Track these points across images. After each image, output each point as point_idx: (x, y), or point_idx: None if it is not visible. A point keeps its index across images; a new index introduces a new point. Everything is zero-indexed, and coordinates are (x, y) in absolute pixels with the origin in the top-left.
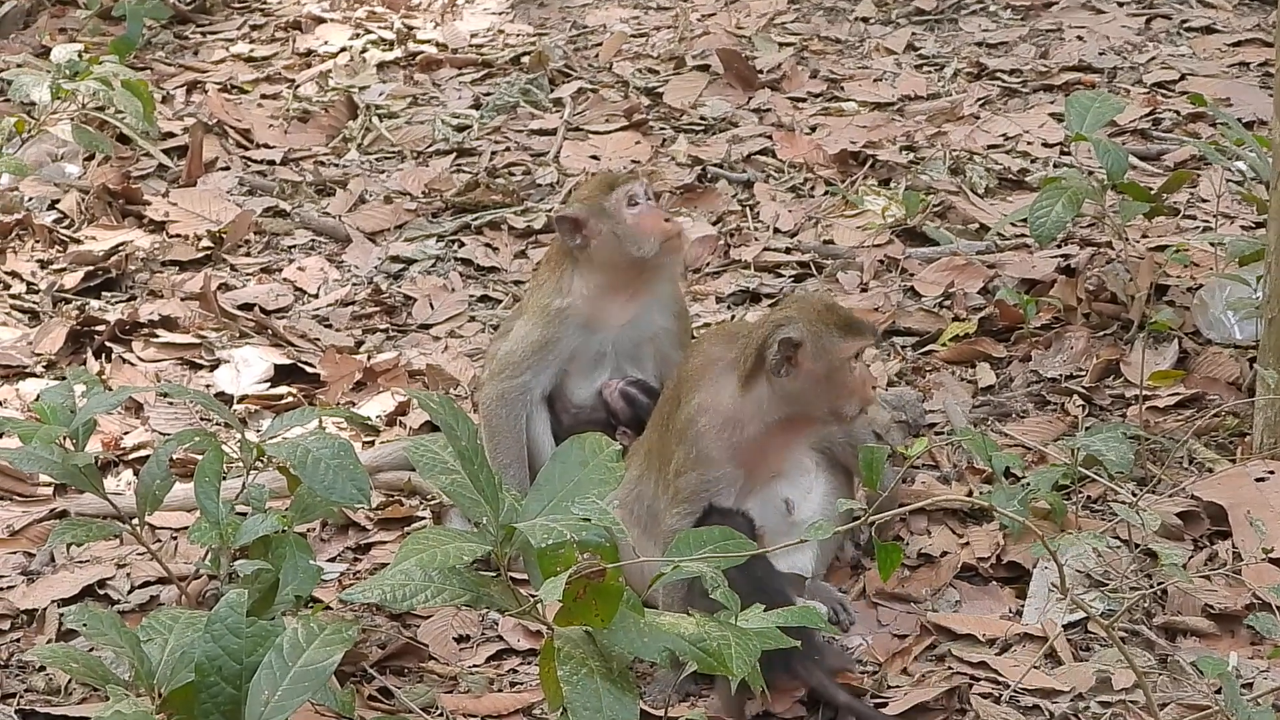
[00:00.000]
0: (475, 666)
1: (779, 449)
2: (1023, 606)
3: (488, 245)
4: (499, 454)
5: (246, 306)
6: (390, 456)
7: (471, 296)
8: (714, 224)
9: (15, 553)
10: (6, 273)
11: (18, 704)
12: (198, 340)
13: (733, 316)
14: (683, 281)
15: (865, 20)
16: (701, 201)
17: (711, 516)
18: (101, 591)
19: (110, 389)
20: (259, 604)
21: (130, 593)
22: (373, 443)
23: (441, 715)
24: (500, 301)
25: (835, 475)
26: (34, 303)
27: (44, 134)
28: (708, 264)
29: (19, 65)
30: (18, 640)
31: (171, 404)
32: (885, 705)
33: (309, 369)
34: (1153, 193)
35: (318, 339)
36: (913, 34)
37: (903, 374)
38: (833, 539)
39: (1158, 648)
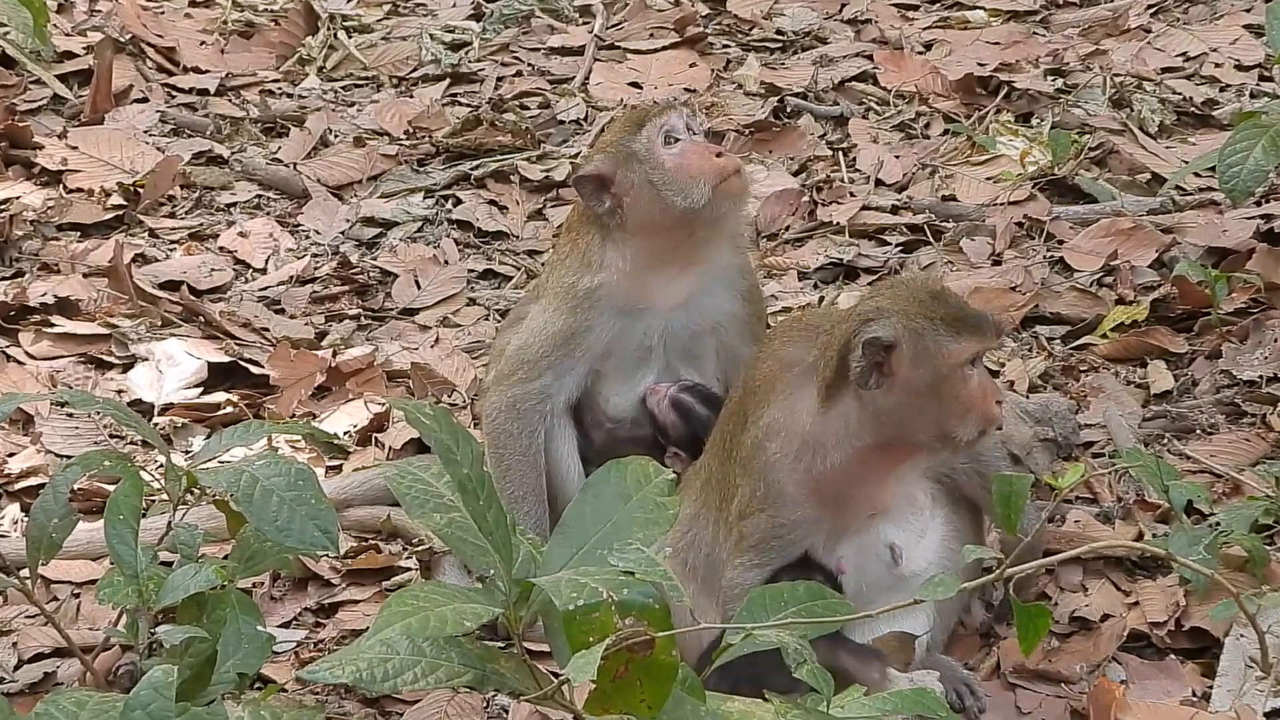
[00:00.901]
0: None
1: (878, 481)
2: (1211, 688)
3: (492, 203)
4: (510, 484)
5: (171, 285)
6: (364, 487)
7: (471, 272)
8: (795, 174)
9: None
10: None
11: None
12: (106, 330)
13: (820, 300)
14: (753, 250)
15: None
16: (779, 144)
17: (786, 571)
18: None
19: None
20: (191, 684)
21: (17, 669)
22: (340, 468)
23: None
24: (510, 279)
25: (958, 513)
26: None
27: None
28: (786, 227)
29: None
30: None
31: (72, 416)
32: None
33: (255, 369)
34: None
35: (266, 329)
36: None
37: (1049, 376)
38: (955, 599)
39: None
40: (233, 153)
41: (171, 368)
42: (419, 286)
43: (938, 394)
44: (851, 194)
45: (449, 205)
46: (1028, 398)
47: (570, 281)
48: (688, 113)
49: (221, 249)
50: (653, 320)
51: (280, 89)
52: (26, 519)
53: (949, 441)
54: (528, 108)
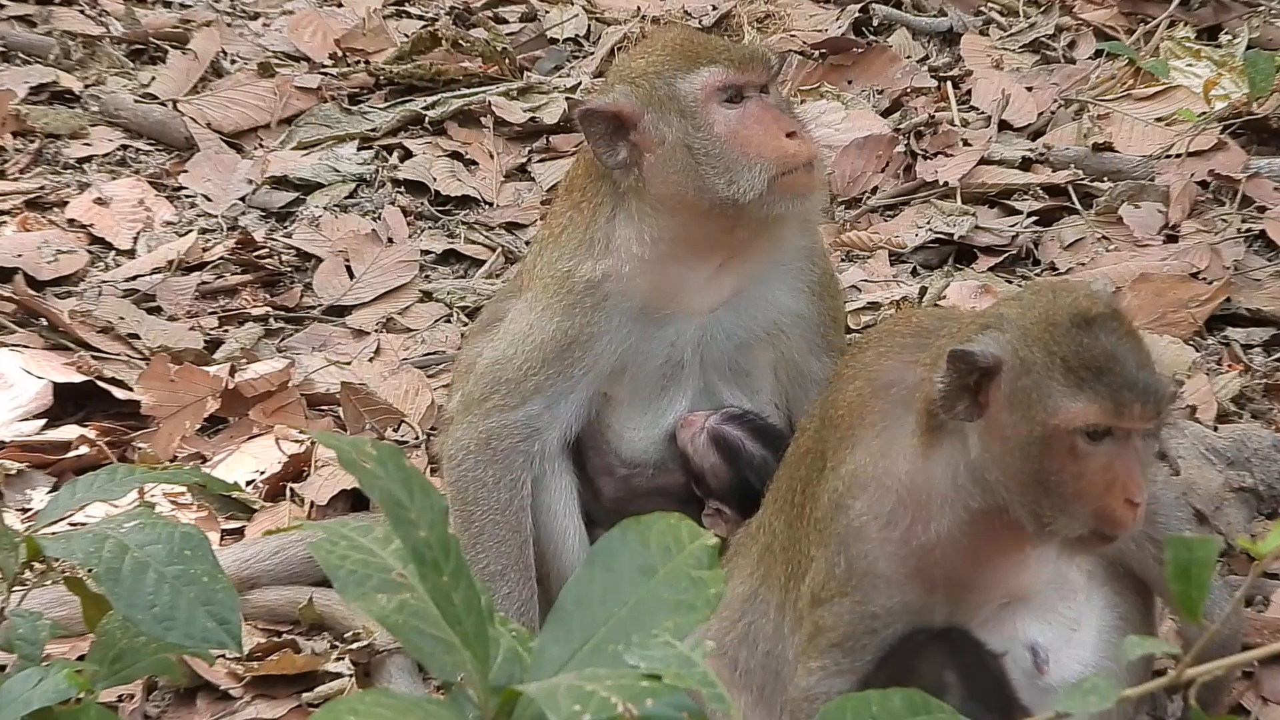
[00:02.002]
0: None
1: (1007, 557)
2: None
3: (455, 156)
4: (484, 553)
5: (0, 274)
6: (276, 559)
7: (426, 255)
8: (885, 114)
9: None
10: None
11: None
12: None
13: (921, 292)
14: (826, 223)
15: None
16: (862, 71)
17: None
18: None
19: None
20: None
21: None
22: (243, 532)
23: None
24: (480, 263)
25: (1123, 593)
26: None
27: None
28: (873, 189)
29: None
30: None
31: None
32: None
33: (120, 393)
34: None
35: (135, 335)
36: None
37: (1246, 399)
38: (1116, 710)
39: None
40: (86, 86)
41: (2, 390)
42: (351, 275)
43: (1034, 461)
44: (965, 142)
45: (394, 159)
46: (1215, 430)
47: (566, 268)
48: (771, 66)
49: (72, 222)
50: (684, 325)
51: None
52: None
53: (1044, 531)
54: (505, 20)
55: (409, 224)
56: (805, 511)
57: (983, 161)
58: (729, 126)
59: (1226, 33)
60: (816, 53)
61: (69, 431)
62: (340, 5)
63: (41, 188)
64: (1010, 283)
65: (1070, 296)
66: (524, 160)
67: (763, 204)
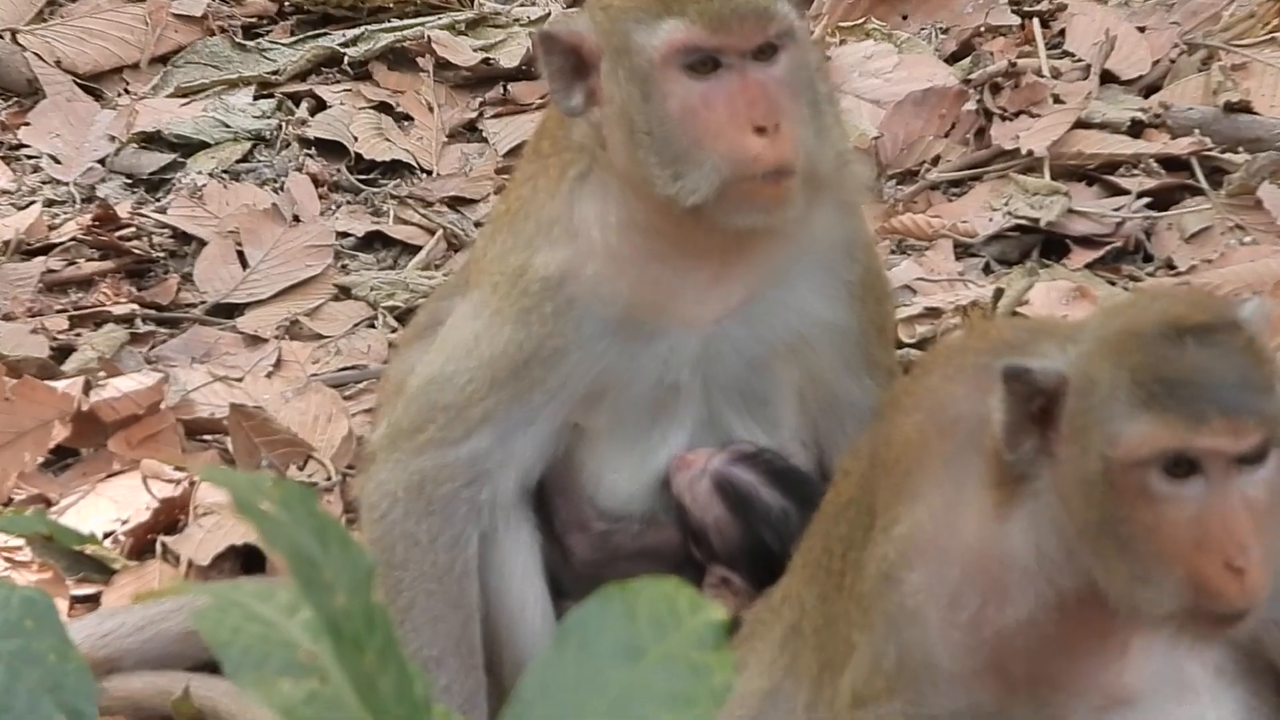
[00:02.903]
0: None
1: (1105, 648)
2: None
3: (383, 108)
4: (418, 629)
5: None
6: (145, 634)
7: (344, 237)
8: (951, 60)
9: None
10: None
11: None
12: None
13: (996, 297)
14: (871, 202)
15: None
16: (921, 3)
17: None
18: None
19: None
20: None
21: None
22: (98, 599)
23: None
24: (416, 250)
25: (1259, 694)
26: None
27: None
28: (934, 159)
29: None
30: None
31: None
32: None
33: None
34: None
35: None
36: None
37: None
38: None
39: None
40: None
41: None
42: (244, 263)
43: (1100, 509)
44: (1057, 99)
45: (301, 112)
46: None
47: (519, 261)
48: (772, 25)
49: None
50: (680, 338)
51: None
52: None
53: (1129, 608)
54: None
55: (321, 197)
56: (845, 582)
57: (1079, 125)
58: (685, 104)
59: None
60: None
61: None
62: None
63: None
64: (1114, 284)
65: (1173, 303)
66: (474, 115)
67: (715, 212)
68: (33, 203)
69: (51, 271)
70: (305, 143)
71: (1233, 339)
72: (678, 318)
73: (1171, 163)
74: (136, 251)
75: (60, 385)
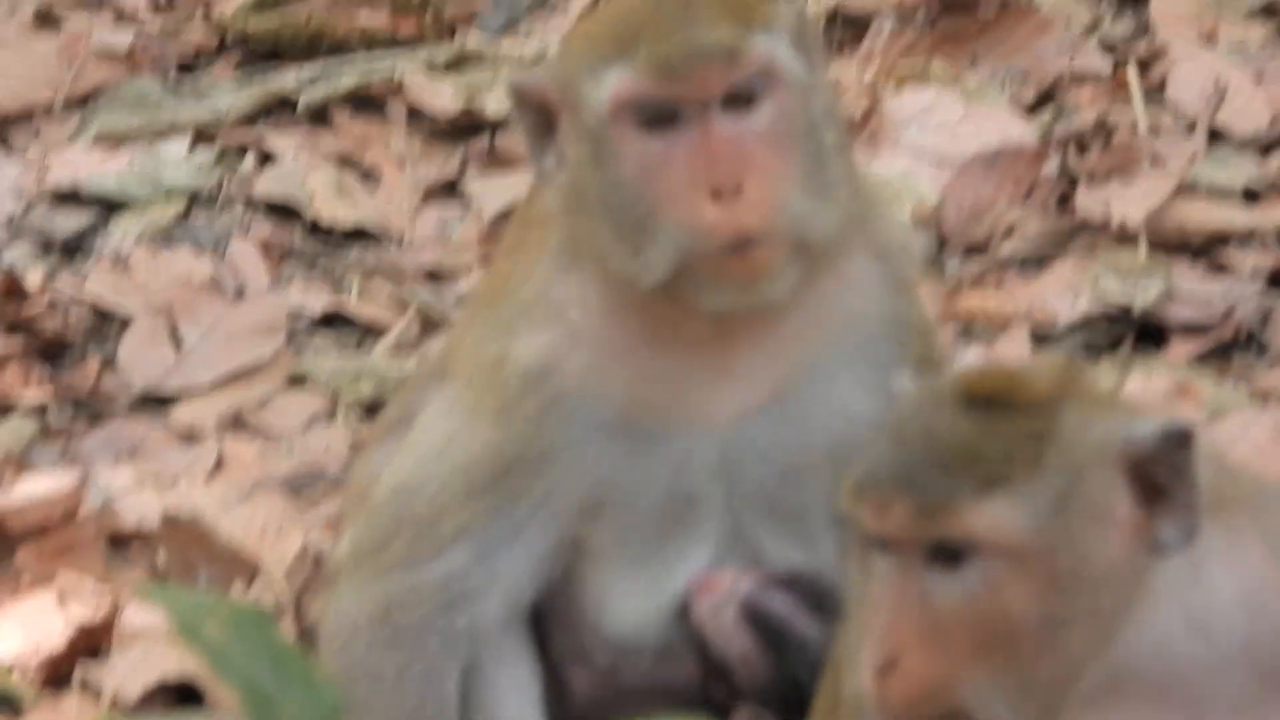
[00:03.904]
0: None
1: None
2: None
3: (345, 162)
4: None
5: None
6: None
7: (299, 316)
8: (1029, 111)
9: None
10: None
11: None
12: None
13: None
14: (928, 278)
15: None
16: (993, 43)
17: None
18: None
19: None
20: None
21: None
22: None
23: None
24: (381, 333)
25: None
26: None
27: None
28: (1008, 230)
29: None
30: None
31: None
32: None
33: None
34: None
35: None
36: None
37: None
38: None
39: None
40: None
41: None
42: (179, 345)
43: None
44: (1155, 160)
45: (248, 165)
46: None
47: (497, 351)
48: (746, 74)
49: None
50: (695, 441)
51: None
52: None
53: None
54: None
55: (271, 268)
56: None
57: (1182, 190)
58: (640, 166)
59: None
60: (920, 10)
61: None
62: None
63: None
64: (1221, 384)
65: None
66: (454, 172)
67: (684, 293)
68: None
69: None
70: (251, 203)
71: None
72: (688, 417)
73: None
74: (49, 330)
75: None
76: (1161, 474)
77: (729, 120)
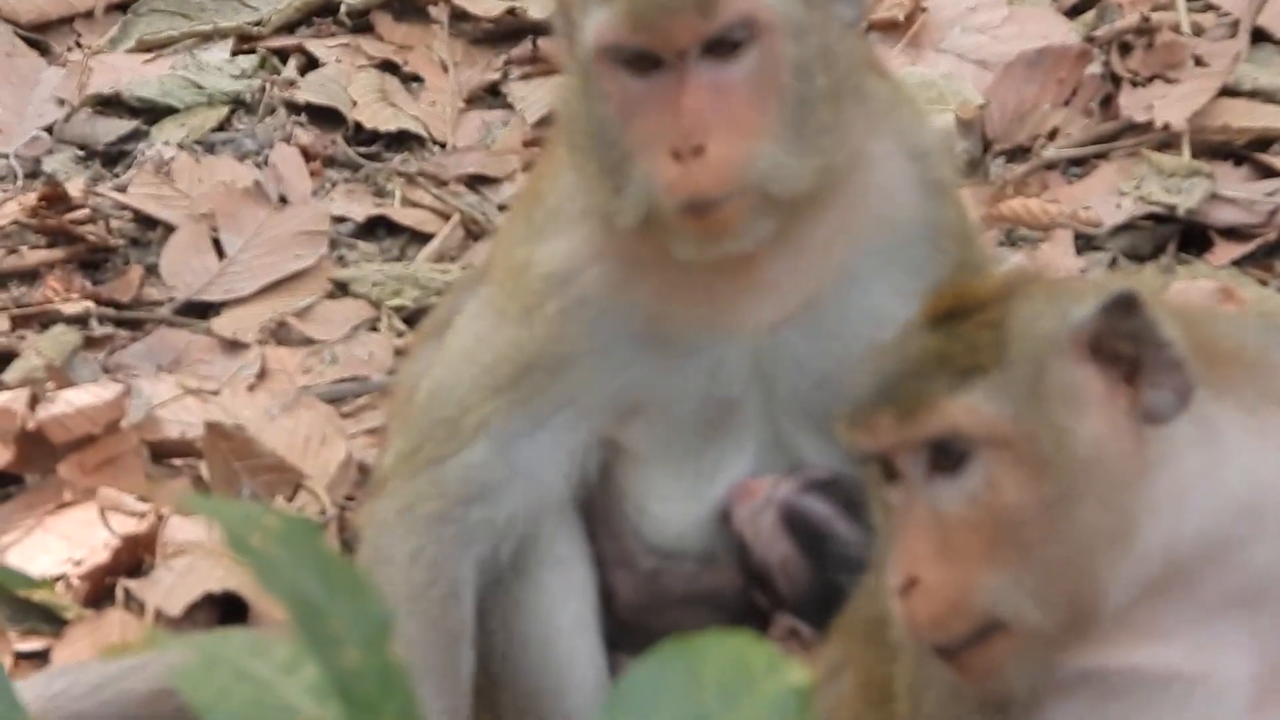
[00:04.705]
0: None
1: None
2: None
3: (387, 67)
4: (424, 684)
5: None
6: (100, 695)
7: (342, 222)
8: (1070, 13)
9: None
10: None
11: None
12: None
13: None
14: (967, 181)
15: None
16: None
17: None
18: None
19: None
20: None
21: None
22: (48, 655)
23: None
24: (427, 239)
25: None
26: None
27: None
28: (1051, 133)
29: None
30: None
31: None
32: None
33: None
34: None
35: None
36: None
37: None
38: None
39: None
40: None
41: None
42: (221, 253)
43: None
44: (1199, 61)
45: (290, 70)
46: None
47: (524, 255)
48: (726, 22)
49: None
50: (729, 348)
51: None
52: None
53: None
54: None
55: (313, 174)
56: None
57: (1226, 92)
58: (622, 106)
59: None
60: None
61: None
62: None
63: None
64: (1266, 284)
65: None
66: (497, 76)
67: (659, 238)
68: None
69: None
70: (294, 108)
71: None
72: (717, 327)
73: None
74: (91, 238)
75: (0, 399)
76: (1124, 346)
77: (708, 69)
